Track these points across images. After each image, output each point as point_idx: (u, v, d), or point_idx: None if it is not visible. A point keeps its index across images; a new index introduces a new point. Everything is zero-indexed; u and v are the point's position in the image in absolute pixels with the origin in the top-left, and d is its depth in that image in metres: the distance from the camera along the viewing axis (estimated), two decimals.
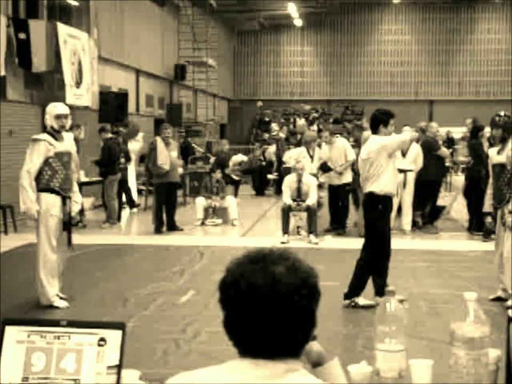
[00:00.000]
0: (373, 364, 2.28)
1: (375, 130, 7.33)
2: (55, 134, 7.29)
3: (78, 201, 7.57)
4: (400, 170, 12.37)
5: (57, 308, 7.28)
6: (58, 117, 7.29)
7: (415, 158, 12.18)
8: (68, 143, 7.46)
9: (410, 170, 12.24)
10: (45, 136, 7.30)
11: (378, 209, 7.21)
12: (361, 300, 7.28)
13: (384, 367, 2.22)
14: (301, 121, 16.70)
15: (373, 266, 7.29)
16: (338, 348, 5.40)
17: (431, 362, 2.35)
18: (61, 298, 7.42)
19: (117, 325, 2.30)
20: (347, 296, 7.37)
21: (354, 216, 12.71)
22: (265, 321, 1.55)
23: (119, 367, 2.22)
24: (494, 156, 7.59)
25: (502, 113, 7.57)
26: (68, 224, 7.41)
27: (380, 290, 7.20)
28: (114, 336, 2.25)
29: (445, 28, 30.57)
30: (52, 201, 7.26)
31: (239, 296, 1.57)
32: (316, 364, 1.72)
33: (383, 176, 7.18)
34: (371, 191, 7.22)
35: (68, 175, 7.39)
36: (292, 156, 12.63)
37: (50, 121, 7.29)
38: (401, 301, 7.35)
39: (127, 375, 2.26)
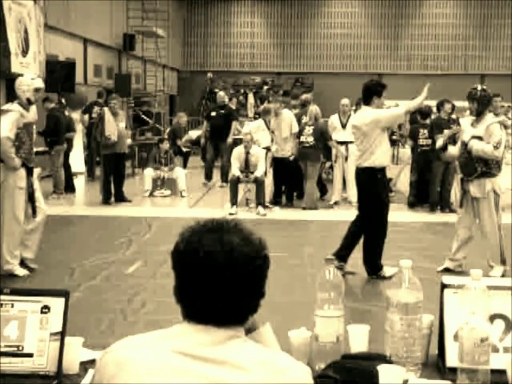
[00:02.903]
0: (313, 329, 2.34)
1: (367, 101, 7.35)
2: (26, 106, 7.30)
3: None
4: (341, 142, 12.52)
5: (17, 276, 7.31)
6: (37, 90, 7.36)
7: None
8: (33, 113, 7.49)
9: (351, 142, 12.31)
10: (17, 107, 7.28)
11: (377, 179, 7.30)
12: (387, 271, 7.29)
13: (322, 332, 2.28)
14: (221, 92, 16.66)
15: (378, 236, 7.38)
16: (283, 316, 5.48)
17: (368, 328, 2.42)
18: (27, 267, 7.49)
19: (60, 292, 2.32)
20: (370, 273, 7.44)
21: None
22: (220, 290, 1.59)
23: (62, 334, 2.25)
24: (468, 128, 7.51)
25: (478, 87, 7.55)
26: (32, 195, 7.39)
27: (375, 269, 7.34)
28: (57, 303, 2.27)
29: (394, 1, 30.71)
30: (19, 175, 7.26)
31: (196, 264, 1.60)
32: (248, 329, 1.77)
33: (379, 149, 7.27)
34: (369, 166, 7.28)
35: (31, 145, 7.46)
36: (252, 129, 12.59)
37: (28, 93, 7.30)
38: (350, 273, 7.51)
39: (70, 341, 2.28)
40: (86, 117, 15.97)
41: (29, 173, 7.38)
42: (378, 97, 7.31)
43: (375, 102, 7.30)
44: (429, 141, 11.94)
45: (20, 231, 7.37)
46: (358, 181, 7.78)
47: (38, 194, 7.54)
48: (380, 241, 7.44)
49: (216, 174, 15.52)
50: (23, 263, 7.52)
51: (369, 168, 7.30)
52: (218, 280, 1.59)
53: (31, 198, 7.41)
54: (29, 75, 7.64)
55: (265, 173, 12.15)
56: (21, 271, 7.37)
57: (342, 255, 7.44)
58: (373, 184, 7.35)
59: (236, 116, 16.49)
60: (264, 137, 12.48)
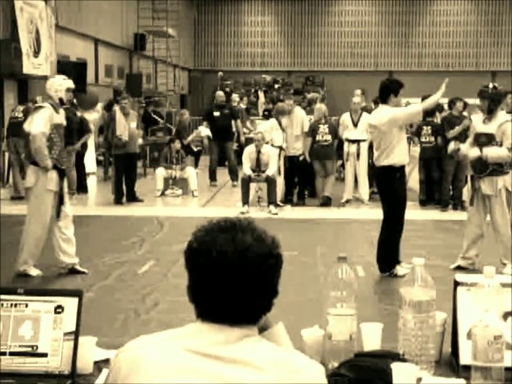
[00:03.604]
0: (326, 328, 2.34)
1: (384, 100, 7.35)
2: (56, 106, 7.34)
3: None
4: (353, 141, 12.52)
5: (30, 276, 7.32)
6: (68, 90, 7.44)
7: (367, 128, 12.26)
8: (62, 116, 7.54)
9: (363, 140, 12.34)
10: (49, 105, 7.31)
11: (396, 177, 7.32)
12: (400, 270, 7.29)
13: (335, 331, 2.28)
14: (219, 92, 16.50)
15: (395, 236, 7.39)
16: (296, 314, 5.48)
17: (381, 326, 2.42)
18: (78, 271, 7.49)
19: (73, 292, 2.33)
20: (383, 270, 7.44)
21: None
22: (233, 289, 1.59)
23: (76, 334, 2.26)
24: (479, 124, 7.52)
25: (490, 85, 7.53)
26: (63, 198, 7.39)
27: (388, 267, 7.39)
28: (71, 303, 2.28)
29: None
30: (50, 177, 7.25)
31: (209, 263, 1.60)
32: (261, 328, 1.77)
33: (397, 148, 7.27)
34: (388, 164, 7.28)
35: (63, 147, 7.49)
36: (266, 129, 12.56)
37: (60, 93, 7.36)
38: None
39: (84, 341, 2.29)
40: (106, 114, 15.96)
41: (60, 175, 7.39)
42: (395, 95, 7.30)
43: (392, 100, 7.29)
44: (432, 138, 11.98)
45: (44, 234, 7.35)
46: (378, 180, 7.80)
47: (66, 198, 7.53)
48: (396, 239, 7.43)
49: (224, 174, 15.48)
50: (73, 271, 7.50)
51: (388, 167, 7.29)
52: (231, 280, 1.59)
53: (62, 201, 7.39)
54: (60, 76, 7.73)
55: (279, 172, 12.18)
56: (34, 271, 7.39)
57: (390, 263, 7.42)
58: (391, 183, 7.35)
59: (238, 115, 16.43)
60: (277, 137, 12.47)
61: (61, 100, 7.37)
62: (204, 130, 16.15)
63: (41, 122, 7.17)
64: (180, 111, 19.10)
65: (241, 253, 1.60)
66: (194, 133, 17.00)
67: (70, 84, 7.55)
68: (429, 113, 12.04)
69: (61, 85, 7.40)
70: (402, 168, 7.40)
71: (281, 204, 12.10)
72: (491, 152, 7.26)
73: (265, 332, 1.78)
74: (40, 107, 7.33)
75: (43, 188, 7.22)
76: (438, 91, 7.45)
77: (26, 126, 7.32)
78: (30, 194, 7.38)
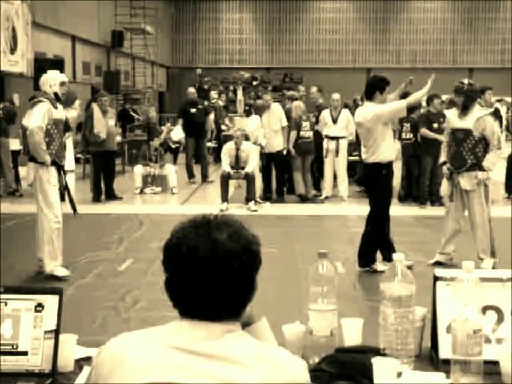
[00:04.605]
0: (307, 323, 2.35)
1: (370, 97, 7.35)
2: (53, 101, 7.28)
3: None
4: (332, 137, 12.57)
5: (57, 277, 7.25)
6: (62, 84, 7.39)
7: (346, 125, 12.33)
8: (61, 112, 7.49)
9: (342, 137, 12.41)
10: (47, 100, 7.25)
11: (383, 174, 7.33)
12: (379, 266, 7.34)
13: (316, 326, 2.29)
14: (191, 89, 16.37)
15: (379, 233, 7.42)
16: (277, 310, 5.49)
17: (361, 321, 2.43)
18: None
19: (53, 290, 2.32)
20: (362, 265, 7.48)
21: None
22: (205, 285, 1.59)
23: (56, 332, 2.25)
24: (455, 120, 7.56)
25: (465, 81, 7.58)
26: (64, 193, 7.33)
27: (368, 262, 7.47)
28: (51, 301, 2.27)
29: None
30: (50, 172, 7.20)
31: (180, 259, 1.61)
32: (245, 324, 1.78)
33: (383, 145, 7.28)
34: (375, 161, 7.29)
35: (62, 143, 7.44)
36: (255, 127, 12.48)
37: (55, 87, 7.31)
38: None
39: (64, 339, 2.28)
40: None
41: (60, 172, 7.32)
42: (381, 93, 7.32)
43: (378, 98, 7.30)
44: (411, 135, 12.03)
45: (55, 228, 7.25)
46: (365, 177, 7.84)
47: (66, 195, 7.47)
48: (382, 235, 7.45)
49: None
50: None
51: (375, 164, 7.31)
52: (202, 276, 1.60)
53: (63, 197, 7.34)
54: (53, 71, 7.66)
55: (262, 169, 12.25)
56: (61, 271, 7.29)
57: (388, 256, 7.44)
58: (378, 180, 7.36)
59: (211, 111, 16.47)
60: (260, 134, 12.47)
61: (56, 94, 7.32)
62: (177, 132, 15.81)
63: (38, 117, 7.10)
64: (146, 109, 18.95)
65: (211, 250, 1.60)
66: (164, 132, 16.80)
67: (63, 77, 7.50)
68: (409, 109, 12.08)
69: (54, 79, 7.36)
70: (388, 164, 7.41)
71: (260, 201, 12.11)
72: (491, 165, 7.38)
73: (249, 327, 1.78)
74: (39, 101, 7.24)
75: (45, 183, 7.16)
76: (424, 87, 7.48)
77: (25, 121, 7.28)
78: (33, 191, 7.33)
